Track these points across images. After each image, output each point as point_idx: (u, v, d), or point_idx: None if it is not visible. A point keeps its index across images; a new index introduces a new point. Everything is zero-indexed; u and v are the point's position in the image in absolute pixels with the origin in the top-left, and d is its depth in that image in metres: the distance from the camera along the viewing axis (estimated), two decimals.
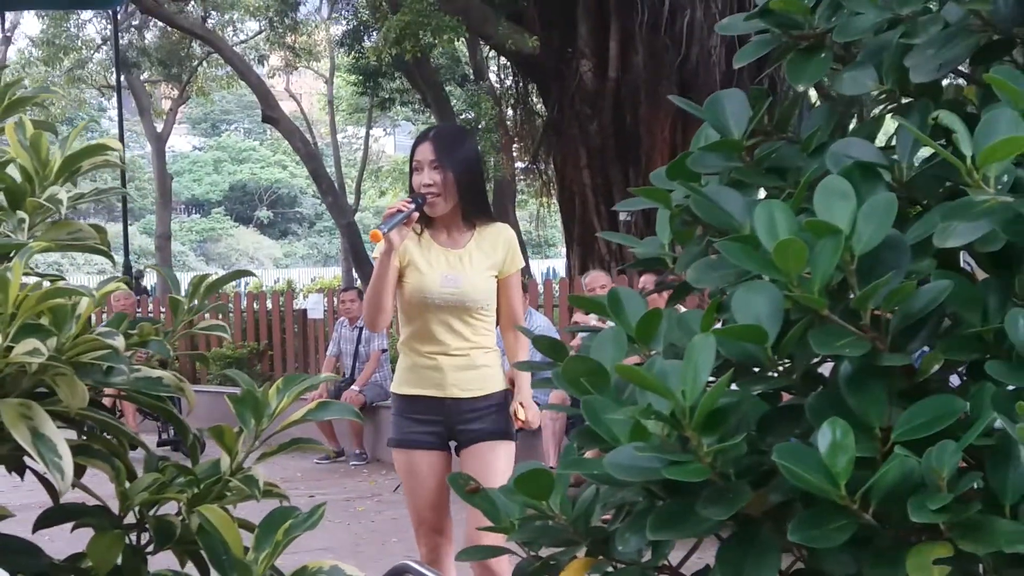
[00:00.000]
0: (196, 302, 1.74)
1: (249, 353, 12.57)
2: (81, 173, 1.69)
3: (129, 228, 19.28)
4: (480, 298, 3.95)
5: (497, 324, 4.10)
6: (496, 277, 3.99)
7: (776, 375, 1.21)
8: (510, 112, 15.42)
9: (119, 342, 1.41)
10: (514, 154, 15.99)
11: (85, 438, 1.60)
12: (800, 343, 1.15)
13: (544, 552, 1.47)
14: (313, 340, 12.37)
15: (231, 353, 12.24)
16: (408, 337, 4.02)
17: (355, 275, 19.77)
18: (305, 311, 12.63)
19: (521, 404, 3.98)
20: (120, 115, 18.73)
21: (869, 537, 1.10)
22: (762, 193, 1.44)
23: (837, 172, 1.23)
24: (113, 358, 1.47)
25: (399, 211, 3.73)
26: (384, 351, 10.22)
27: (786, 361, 1.21)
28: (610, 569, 1.39)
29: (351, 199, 24.69)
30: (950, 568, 1.05)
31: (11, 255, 1.59)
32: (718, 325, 1.34)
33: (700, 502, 1.12)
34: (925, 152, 1.31)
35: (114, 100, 20.22)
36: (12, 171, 1.67)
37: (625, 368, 1.13)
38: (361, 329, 10.28)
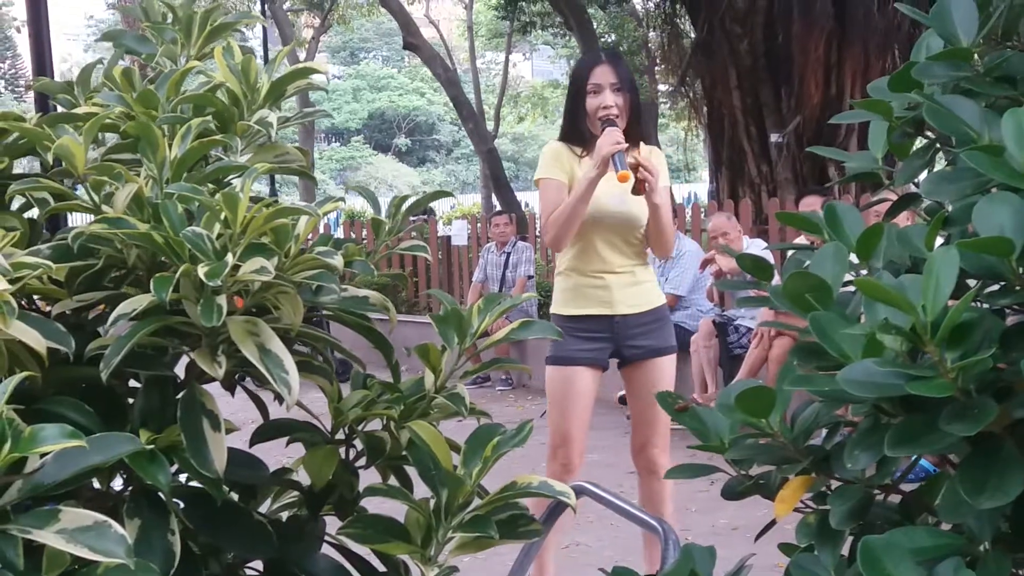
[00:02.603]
0: (397, 222, 1.77)
1: (394, 279, 12.76)
2: (286, 97, 1.72)
3: None
4: (644, 216, 4.01)
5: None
6: None
7: (1020, 289, 1.16)
8: (653, 35, 15.17)
9: (338, 261, 1.44)
10: (657, 77, 15.76)
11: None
12: None
13: (752, 472, 1.47)
14: (457, 266, 12.50)
15: (376, 280, 12.46)
16: (572, 258, 4.05)
17: (495, 201, 19.86)
18: (449, 237, 12.75)
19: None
20: (265, 45, 19.05)
21: None
22: None
23: None
24: (325, 277, 1.50)
25: (617, 144, 3.75)
26: (531, 277, 10.28)
27: None
28: (825, 489, 1.38)
29: (490, 125, 24.71)
30: None
31: (223, 178, 1.64)
32: (939, 241, 1.30)
33: (943, 418, 1.09)
34: None
35: (257, 30, 20.55)
36: (220, 96, 1.71)
37: (866, 281, 1.10)
38: (508, 255, 10.35)
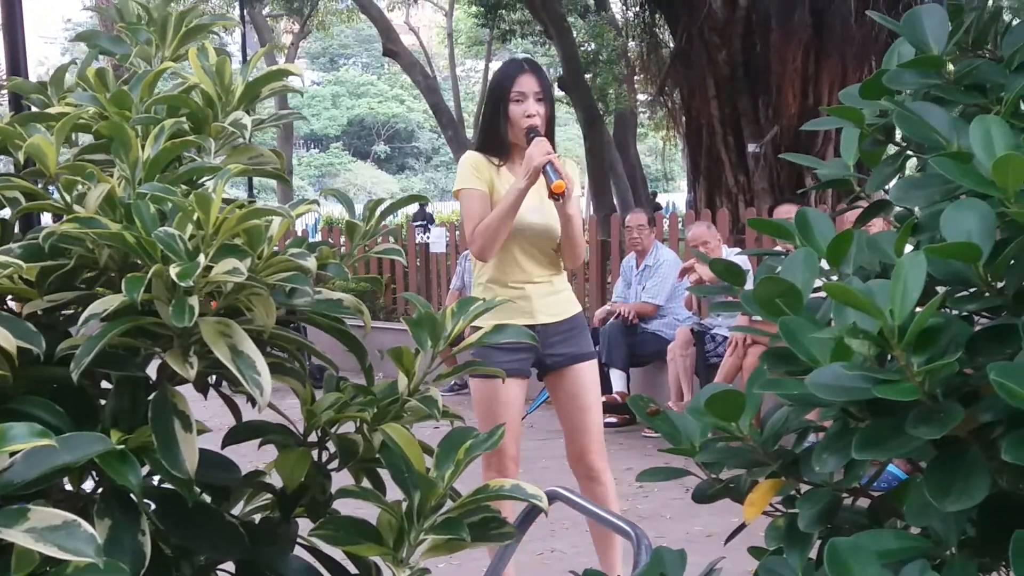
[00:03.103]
0: (371, 226, 1.77)
1: (370, 284, 12.75)
2: (261, 99, 1.72)
3: None
4: (560, 226, 4.05)
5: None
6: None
7: (988, 295, 1.18)
8: (632, 44, 15.22)
9: (311, 263, 1.44)
10: (636, 86, 15.81)
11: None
12: (1016, 262, 1.12)
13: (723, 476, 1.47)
14: (435, 273, 12.50)
15: (355, 286, 12.45)
16: (492, 271, 4.08)
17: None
18: (427, 245, 12.74)
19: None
20: (244, 51, 18.99)
21: None
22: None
23: None
24: (298, 279, 1.50)
25: (548, 154, 3.77)
26: None
27: (997, 282, 1.18)
28: (794, 492, 1.39)
29: (470, 133, 24.72)
30: None
31: (197, 179, 1.63)
32: (908, 247, 1.31)
33: (910, 421, 1.10)
34: None
35: (236, 35, 20.50)
36: (194, 97, 1.71)
37: (835, 286, 1.11)
38: None
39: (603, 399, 8.10)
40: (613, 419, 8.28)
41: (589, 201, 15.72)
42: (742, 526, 1.48)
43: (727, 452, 1.41)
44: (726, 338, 7.70)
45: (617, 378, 8.24)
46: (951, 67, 1.31)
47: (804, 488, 1.37)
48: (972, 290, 1.18)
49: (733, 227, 9.50)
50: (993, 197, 1.12)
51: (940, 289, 1.27)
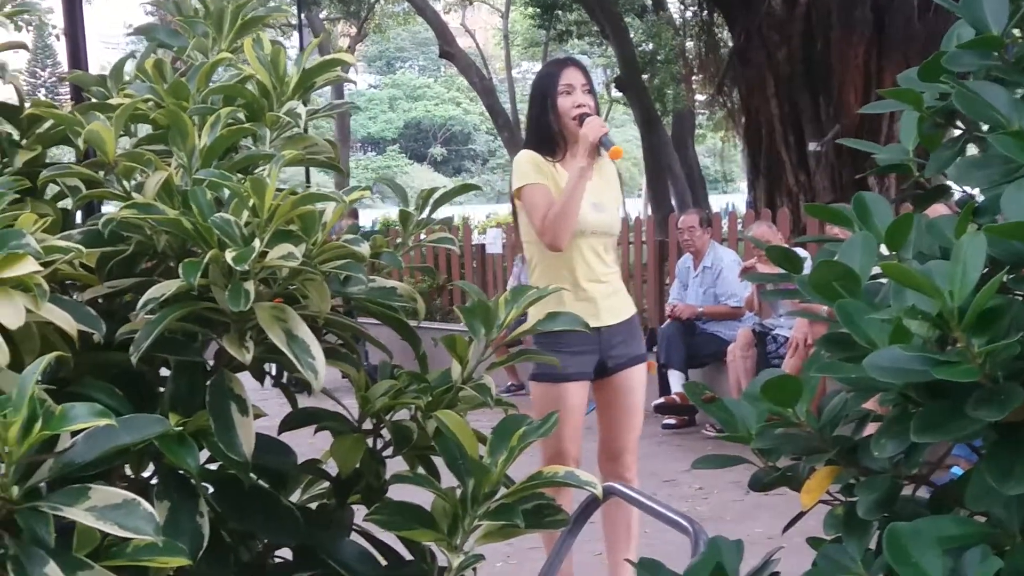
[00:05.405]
0: (426, 214, 1.77)
1: (429, 287, 12.81)
2: (316, 88, 1.74)
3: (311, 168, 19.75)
4: (618, 225, 4.11)
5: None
6: None
7: None
8: (690, 43, 15.14)
9: (364, 249, 1.45)
10: (694, 87, 15.73)
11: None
12: None
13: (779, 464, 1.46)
14: (492, 275, 12.51)
15: (416, 287, 12.46)
16: (552, 271, 4.00)
17: (511, 210, 19.87)
18: (483, 246, 12.76)
19: None
20: (301, 53, 19.13)
21: None
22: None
23: None
24: (352, 267, 1.51)
25: (601, 126, 3.79)
26: None
27: None
28: (853, 481, 1.37)
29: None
30: None
31: (249, 168, 1.65)
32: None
33: (970, 404, 1.08)
34: None
35: (294, 38, 20.66)
36: (250, 87, 1.72)
37: (893, 266, 1.10)
38: None
39: (662, 400, 8.11)
40: (672, 420, 8.23)
41: (647, 202, 15.65)
42: (800, 515, 1.46)
43: (784, 439, 1.39)
44: (788, 339, 7.61)
45: (676, 379, 8.18)
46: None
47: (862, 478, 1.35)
48: None
49: (794, 227, 9.41)
50: None
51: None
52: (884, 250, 1.37)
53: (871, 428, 1.34)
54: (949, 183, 1.45)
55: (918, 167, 1.49)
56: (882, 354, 1.15)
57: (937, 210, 1.62)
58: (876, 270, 1.33)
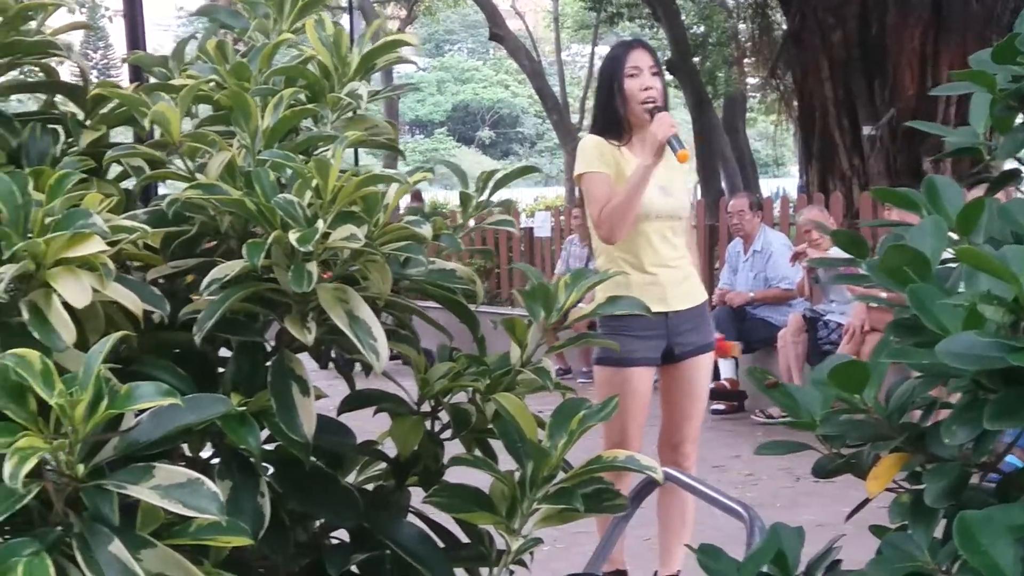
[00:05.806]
0: (485, 196, 1.77)
1: (477, 271, 12.78)
2: (376, 70, 1.73)
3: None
4: (687, 209, 4.05)
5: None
6: None
7: None
8: (743, 26, 15.00)
9: (426, 231, 1.44)
10: (746, 69, 15.60)
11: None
12: None
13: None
14: (540, 258, 12.49)
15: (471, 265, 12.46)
16: (620, 255, 3.96)
17: (578, 194, 19.84)
18: (531, 229, 12.74)
19: None
20: (351, 36, 19.19)
21: None
22: None
23: None
24: (413, 248, 1.50)
25: (672, 127, 3.74)
26: None
27: None
28: (919, 468, 1.35)
29: (575, 118, 24.66)
30: None
31: (310, 149, 1.64)
32: None
33: None
34: None
35: (344, 20, 20.72)
36: (311, 68, 1.72)
37: (968, 251, 1.08)
38: (592, 247, 10.32)
39: (712, 385, 8.07)
40: (722, 406, 8.18)
41: (697, 185, 15.57)
42: (864, 502, 1.44)
43: (850, 425, 1.37)
44: (840, 324, 7.53)
45: (726, 365, 8.13)
46: None
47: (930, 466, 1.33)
48: None
49: (847, 211, 9.31)
50: None
51: None
52: (954, 235, 1.34)
53: (939, 415, 1.32)
54: (1021, 167, 1.42)
55: (988, 151, 1.46)
56: (956, 340, 1.13)
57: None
58: (945, 255, 1.31)
